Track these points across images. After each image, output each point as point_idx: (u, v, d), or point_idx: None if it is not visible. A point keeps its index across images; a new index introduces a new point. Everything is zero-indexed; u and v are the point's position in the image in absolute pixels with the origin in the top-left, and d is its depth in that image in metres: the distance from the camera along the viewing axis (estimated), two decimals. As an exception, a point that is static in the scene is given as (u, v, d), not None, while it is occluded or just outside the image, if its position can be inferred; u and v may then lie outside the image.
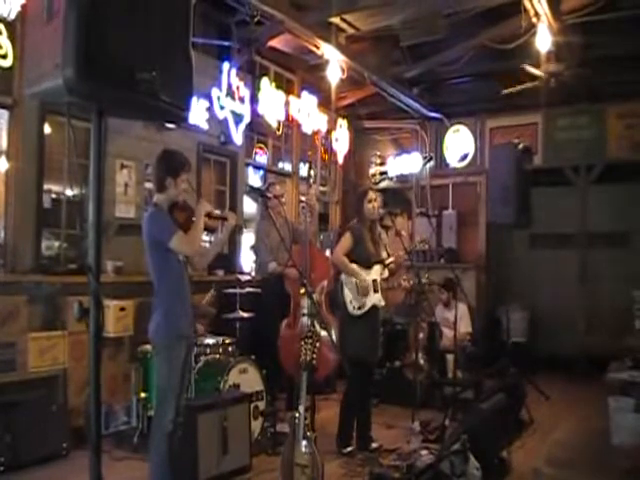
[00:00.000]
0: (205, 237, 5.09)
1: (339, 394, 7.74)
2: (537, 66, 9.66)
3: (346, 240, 6.58)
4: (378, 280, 6.54)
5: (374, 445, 6.52)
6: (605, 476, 5.86)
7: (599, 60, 9.80)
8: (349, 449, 6.41)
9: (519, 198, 8.23)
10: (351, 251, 6.52)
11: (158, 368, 4.91)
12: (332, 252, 8.81)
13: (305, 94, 10.57)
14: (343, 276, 6.57)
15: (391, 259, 6.83)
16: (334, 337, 6.47)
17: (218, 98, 8.63)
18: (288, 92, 10.27)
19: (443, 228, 12.05)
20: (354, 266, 6.47)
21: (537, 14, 8.24)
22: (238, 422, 5.76)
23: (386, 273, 6.73)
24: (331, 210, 12.52)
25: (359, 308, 6.44)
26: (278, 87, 9.91)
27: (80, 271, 6.50)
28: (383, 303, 6.59)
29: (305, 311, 6.66)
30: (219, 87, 8.65)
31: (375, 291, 6.49)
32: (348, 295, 6.47)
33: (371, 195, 6.60)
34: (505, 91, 10.79)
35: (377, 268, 6.58)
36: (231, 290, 7.54)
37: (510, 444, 6.22)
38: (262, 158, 10.51)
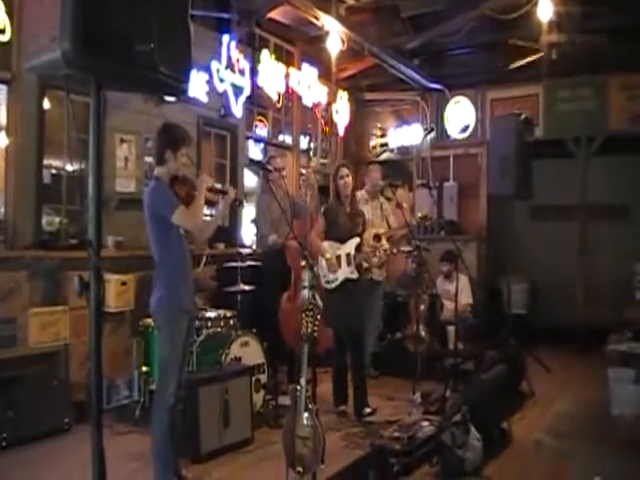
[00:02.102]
0: (205, 211, 5.08)
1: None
2: (538, 37, 9.60)
3: (319, 223, 6.95)
4: (352, 253, 6.72)
5: (367, 410, 6.67)
6: (605, 446, 5.89)
7: (601, 31, 9.73)
8: (341, 408, 6.75)
9: (520, 170, 8.19)
10: (326, 230, 6.84)
11: (160, 342, 4.93)
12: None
13: (305, 66, 10.52)
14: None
15: (382, 231, 7.01)
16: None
17: (218, 71, 8.58)
18: (288, 64, 10.22)
19: (444, 200, 12.02)
20: (325, 245, 6.77)
21: (539, -17, 8.19)
22: (240, 395, 5.80)
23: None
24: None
25: (330, 282, 6.74)
26: (278, 59, 9.86)
27: (81, 246, 6.49)
28: (355, 275, 6.78)
29: (306, 284, 6.68)
30: (219, 60, 8.60)
31: (348, 264, 6.70)
32: (321, 271, 6.78)
33: (342, 171, 6.88)
34: (512, 66, 10.73)
35: (352, 242, 6.78)
36: (232, 263, 7.54)
37: (511, 415, 6.26)
38: (262, 131, 10.48)
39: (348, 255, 6.69)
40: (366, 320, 7.33)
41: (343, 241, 6.75)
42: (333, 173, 6.96)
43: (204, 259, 7.04)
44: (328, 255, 6.67)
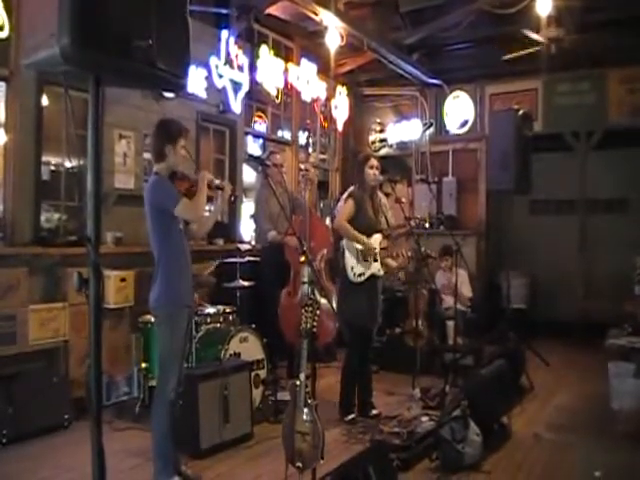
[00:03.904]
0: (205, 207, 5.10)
1: (340, 362, 7.77)
2: (537, 31, 9.59)
3: (348, 206, 6.54)
4: (378, 249, 6.51)
5: (374, 412, 6.56)
6: (605, 440, 5.90)
7: (600, 24, 9.72)
8: (351, 416, 6.46)
9: (519, 164, 8.22)
10: (353, 218, 6.49)
11: (160, 337, 4.93)
12: (332, 220, 8.81)
13: (304, 61, 10.52)
14: (344, 242, 6.54)
15: (397, 226, 6.81)
16: (334, 305, 6.48)
17: (216, 67, 8.58)
18: (287, 59, 10.22)
19: (443, 195, 12.03)
20: (355, 232, 6.44)
21: (538, -23, 8.19)
22: (239, 391, 5.81)
23: (384, 242, 6.71)
24: (331, 178, 12.47)
25: (360, 275, 6.42)
26: (277, 55, 9.87)
27: (80, 242, 6.47)
28: (382, 272, 6.57)
29: (305, 279, 6.65)
30: (217, 55, 8.59)
31: (375, 260, 6.47)
32: (349, 261, 6.46)
33: (373, 162, 6.57)
34: (506, 57, 10.71)
35: (377, 237, 6.55)
36: (231, 259, 7.54)
37: (510, 410, 6.26)
38: (261, 127, 10.46)
39: (374, 252, 6.49)
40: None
41: (368, 235, 6.49)
42: (360, 161, 6.70)
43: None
44: (366, 240, 6.41)
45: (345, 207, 6.59)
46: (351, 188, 6.72)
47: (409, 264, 7.46)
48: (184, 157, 4.94)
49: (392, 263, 6.78)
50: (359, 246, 6.44)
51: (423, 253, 7.16)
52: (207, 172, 5.09)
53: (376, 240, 6.53)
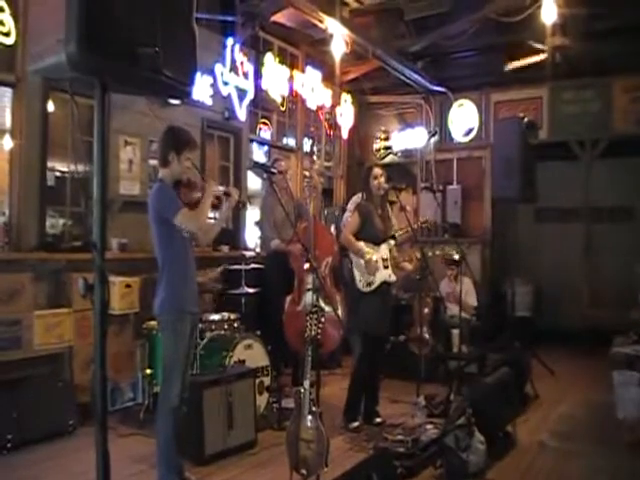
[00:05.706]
0: (209, 213, 5.09)
1: (344, 369, 7.78)
2: (542, 39, 9.60)
3: (354, 219, 6.57)
4: (388, 257, 6.51)
5: (378, 420, 6.53)
6: (609, 449, 5.89)
7: (604, 33, 9.72)
8: (355, 424, 6.42)
9: (524, 172, 8.21)
10: (360, 230, 6.49)
11: (164, 343, 4.93)
12: (337, 228, 8.81)
13: (309, 69, 10.54)
14: (352, 254, 6.56)
15: (402, 232, 6.79)
16: (339, 312, 6.47)
17: (222, 74, 8.60)
18: (292, 67, 10.25)
19: (448, 203, 12.03)
20: (361, 245, 6.42)
21: (543, -15, 8.19)
22: (243, 397, 5.80)
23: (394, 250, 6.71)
24: (335, 185, 12.48)
25: (368, 285, 6.41)
26: (282, 62, 9.90)
27: (85, 248, 6.51)
28: (394, 279, 6.56)
29: (309, 287, 6.64)
30: (223, 63, 8.62)
31: (385, 267, 6.47)
32: (357, 272, 6.45)
33: (376, 171, 6.58)
34: (509, 66, 10.72)
35: (386, 245, 6.54)
36: (236, 266, 7.54)
37: (515, 418, 6.24)
38: (266, 134, 10.47)
39: (385, 259, 6.47)
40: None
41: (377, 244, 6.49)
42: (364, 173, 6.73)
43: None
44: (369, 256, 6.37)
45: (350, 220, 6.65)
46: (357, 197, 6.73)
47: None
48: (188, 169, 4.93)
49: (408, 266, 6.80)
50: (363, 259, 6.45)
51: (444, 253, 7.17)
52: (213, 181, 5.09)
53: (386, 248, 6.53)
